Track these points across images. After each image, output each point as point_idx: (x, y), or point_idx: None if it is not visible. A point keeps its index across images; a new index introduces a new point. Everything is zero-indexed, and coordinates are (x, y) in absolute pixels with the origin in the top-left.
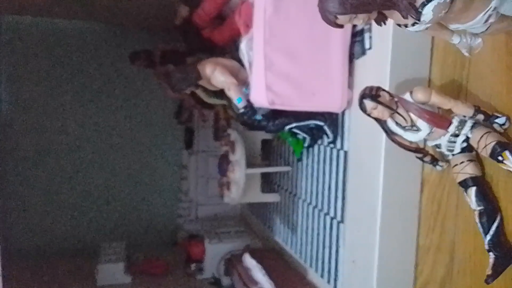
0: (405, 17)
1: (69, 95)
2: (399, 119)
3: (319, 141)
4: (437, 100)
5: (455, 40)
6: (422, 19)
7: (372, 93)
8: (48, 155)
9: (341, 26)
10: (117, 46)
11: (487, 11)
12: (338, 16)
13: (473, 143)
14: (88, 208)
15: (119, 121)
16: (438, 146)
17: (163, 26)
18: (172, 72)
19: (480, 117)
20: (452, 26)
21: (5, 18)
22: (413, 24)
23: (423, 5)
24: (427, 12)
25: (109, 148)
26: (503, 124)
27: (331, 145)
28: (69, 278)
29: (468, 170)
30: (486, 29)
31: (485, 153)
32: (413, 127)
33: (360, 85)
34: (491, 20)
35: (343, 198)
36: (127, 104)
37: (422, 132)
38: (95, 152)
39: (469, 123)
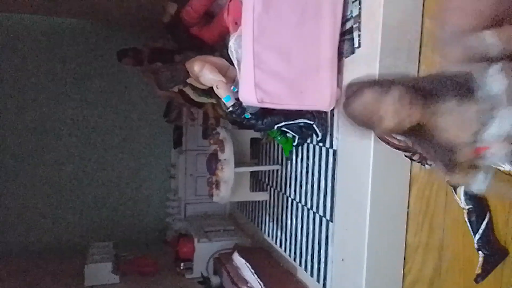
0: None
1: (56, 94)
2: None
3: (308, 140)
4: None
5: None
6: None
7: None
8: (35, 155)
9: None
10: (103, 44)
11: None
12: None
13: None
14: (76, 207)
15: (107, 120)
16: None
17: (151, 24)
18: (160, 70)
19: None
20: None
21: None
22: None
23: None
24: None
25: (97, 148)
26: None
27: (320, 144)
28: (57, 278)
29: None
30: None
31: None
32: None
33: None
34: None
35: (332, 196)
36: (115, 103)
37: None
38: (83, 152)
39: None
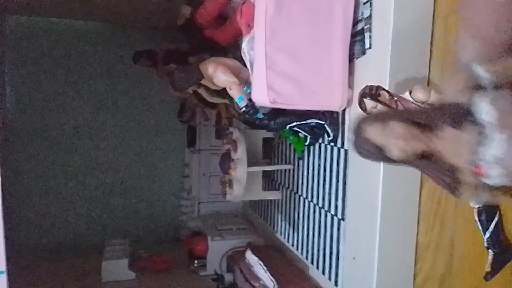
0: None
1: (72, 95)
2: None
3: (320, 140)
4: (437, 99)
5: None
6: None
7: (372, 92)
8: (52, 154)
9: None
10: (119, 46)
11: None
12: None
13: None
14: (93, 205)
15: (121, 121)
16: None
17: (165, 26)
18: (175, 72)
19: None
20: None
21: (10, 18)
22: None
23: None
24: None
25: (113, 147)
26: None
27: (332, 144)
28: (74, 274)
29: None
30: None
31: None
32: None
33: (360, 84)
34: None
35: (344, 195)
36: (130, 103)
37: None
38: (99, 151)
39: None
